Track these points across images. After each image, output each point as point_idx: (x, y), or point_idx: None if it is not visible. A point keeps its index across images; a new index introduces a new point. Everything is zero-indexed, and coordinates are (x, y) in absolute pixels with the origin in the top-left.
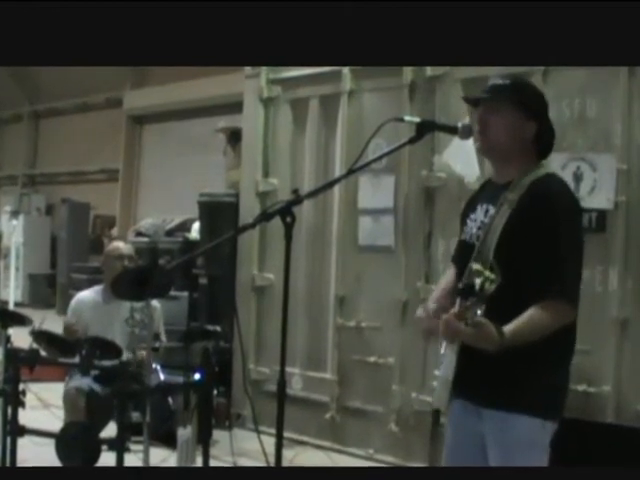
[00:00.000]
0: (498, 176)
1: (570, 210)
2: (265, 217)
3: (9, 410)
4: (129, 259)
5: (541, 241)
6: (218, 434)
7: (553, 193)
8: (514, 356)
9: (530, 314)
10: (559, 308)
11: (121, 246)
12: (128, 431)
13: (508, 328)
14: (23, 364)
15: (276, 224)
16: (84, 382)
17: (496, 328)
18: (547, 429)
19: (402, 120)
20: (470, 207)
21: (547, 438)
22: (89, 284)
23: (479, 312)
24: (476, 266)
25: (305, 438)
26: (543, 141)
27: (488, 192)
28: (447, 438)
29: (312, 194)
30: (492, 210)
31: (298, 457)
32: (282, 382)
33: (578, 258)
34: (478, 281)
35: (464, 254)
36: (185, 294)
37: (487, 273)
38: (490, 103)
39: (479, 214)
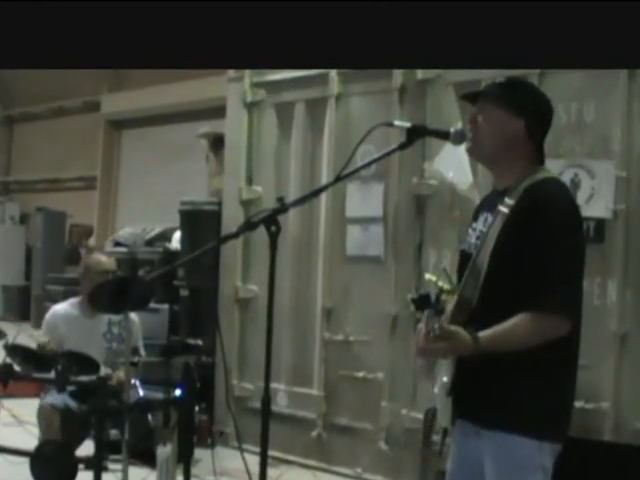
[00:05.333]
0: (497, 182)
1: (567, 217)
2: (249, 226)
3: None
4: (112, 274)
5: (535, 250)
6: (200, 452)
7: (548, 199)
8: (512, 376)
9: (513, 322)
10: (546, 320)
11: (104, 260)
12: (106, 449)
13: (485, 333)
14: None
15: (260, 234)
16: (59, 398)
17: (470, 333)
18: (545, 450)
19: (392, 125)
20: (474, 216)
21: (546, 459)
22: (65, 296)
23: (437, 325)
24: (429, 276)
25: (291, 457)
26: (536, 140)
27: (490, 200)
28: (450, 460)
29: (298, 202)
30: (490, 218)
31: (283, 477)
32: (266, 398)
33: (575, 268)
34: (433, 292)
35: (462, 264)
36: (165, 307)
37: (440, 283)
38: (479, 102)
39: (479, 223)
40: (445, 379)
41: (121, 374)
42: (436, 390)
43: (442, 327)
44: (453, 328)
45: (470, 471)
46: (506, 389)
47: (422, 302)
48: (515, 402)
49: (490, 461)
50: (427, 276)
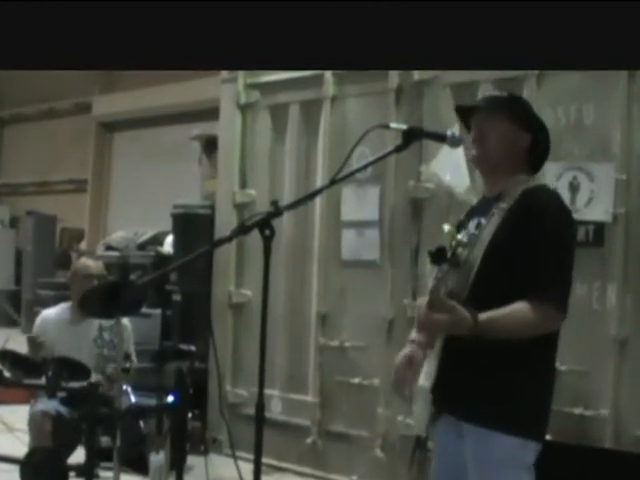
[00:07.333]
0: (488, 189)
1: (562, 219)
2: (243, 230)
3: None
4: (99, 279)
5: (532, 250)
6: (193, 460)
7: (543, 203)
8: (497, 371)
9: (513, 309)
10: (545, 311)
11: (91, 265)
12: (97, 457)
13: (485, 315)
14: None
15: (254, 237)
16: (50, 405)
17: (470, 313)
18: (529, 448)
19: (388, 127)
20: (462, 223)
21: (529, 458)
22: (56, 300)
23: (449, 284)
24: (448, 227)
25: (285, 464)
26: (536, 154)
27: (480, 206)
28: (434, 460)
29: (292, 206)
30: (484, 221)
31: None
32: (260, 405)
33: (567, 269)
34: (450, 245)
35: None
36: (158, 312)
37: (459, 237)
38: (487, 113)
39: (470, 228)
40: (427, 368)
41: (111, 370)
42: (420, 382)
43: (445, 298)
44: (454, 303)
45: (454, 468)
46: (492, 384)
47: (438, 256)
48: (500, 398)
49: (472, 458)
50: (446, 227)
